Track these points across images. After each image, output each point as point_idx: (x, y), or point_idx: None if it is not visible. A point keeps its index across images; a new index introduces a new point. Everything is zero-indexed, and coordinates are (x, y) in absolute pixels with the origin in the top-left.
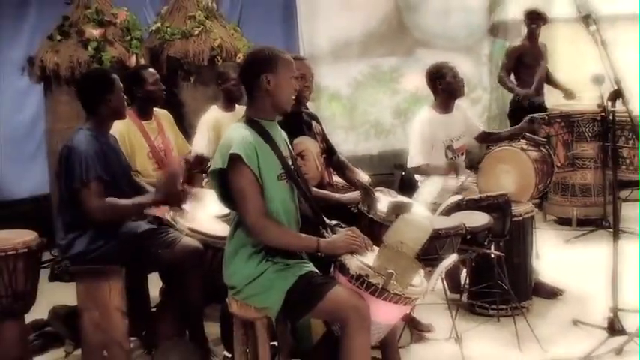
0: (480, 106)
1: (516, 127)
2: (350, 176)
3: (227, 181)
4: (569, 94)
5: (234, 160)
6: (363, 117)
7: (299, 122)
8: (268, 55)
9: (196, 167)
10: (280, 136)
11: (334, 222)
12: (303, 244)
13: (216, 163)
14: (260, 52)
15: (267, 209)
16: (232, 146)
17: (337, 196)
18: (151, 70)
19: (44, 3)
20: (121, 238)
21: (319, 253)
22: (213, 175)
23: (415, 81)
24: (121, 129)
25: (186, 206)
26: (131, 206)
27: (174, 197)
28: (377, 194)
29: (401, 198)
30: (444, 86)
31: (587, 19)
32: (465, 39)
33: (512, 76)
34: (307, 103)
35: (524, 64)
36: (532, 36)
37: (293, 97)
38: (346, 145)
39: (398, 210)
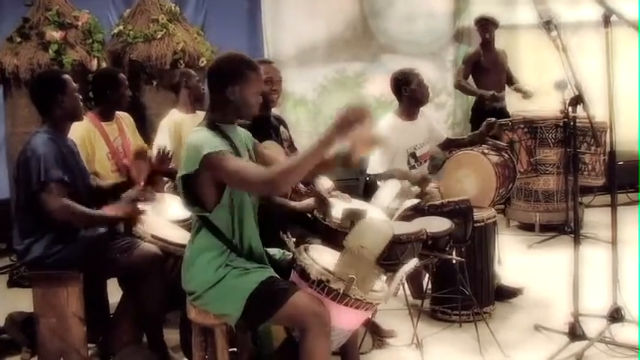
0: (444, 112)
1: (476, 131)
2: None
3: (197, 184)
4: (526, 94)
5: (215, 154)
6: (328, 122)
7: (266, 127)
8: (236, 67)
9: (160, 165)
10: (240, 138)
11: None
12: (312, 155)
13: (187, 168)
14: (228, 63)
15: (230, 203)
16: (204, 147)
17: (292, 203)
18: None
19: (4, 4)
20: (79, 242)
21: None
22: (180, 181)
23: (380, 86)
24: (81, 132)
25: (147, 210)
26: (94, 217)
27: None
28: (332, 200)
29: (356, 202)
30: (409, 93)
31: (548, 24)
32: (429, 44)
33: (471, 81)
34: (272, 108)
35: (482, 70)
36: (487, 42)
37: (259, 103)
38: None
39: (352, 216)
